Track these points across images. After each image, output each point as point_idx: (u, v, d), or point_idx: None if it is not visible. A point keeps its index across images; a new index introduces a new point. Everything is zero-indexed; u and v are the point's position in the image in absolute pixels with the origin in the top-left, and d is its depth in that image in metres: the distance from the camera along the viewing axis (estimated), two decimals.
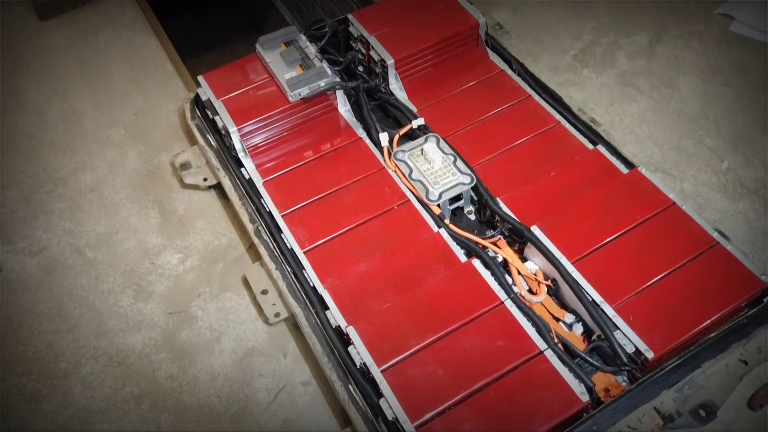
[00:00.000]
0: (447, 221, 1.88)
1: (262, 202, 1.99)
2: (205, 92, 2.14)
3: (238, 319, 1.93)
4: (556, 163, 2.01)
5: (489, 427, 1.44)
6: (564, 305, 1.73)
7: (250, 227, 1.97)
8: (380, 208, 1.93)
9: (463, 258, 1.78)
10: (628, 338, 1.55)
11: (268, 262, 1.89)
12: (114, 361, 1.85)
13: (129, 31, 2.78)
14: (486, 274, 1.70)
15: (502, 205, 1.88)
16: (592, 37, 2.64)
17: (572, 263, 1.69)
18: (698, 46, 2.55)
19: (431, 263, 1.78)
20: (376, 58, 2.24)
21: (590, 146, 2.05)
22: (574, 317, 1.69)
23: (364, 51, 2.32)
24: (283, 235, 1.90)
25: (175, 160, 2.24)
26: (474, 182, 1.92)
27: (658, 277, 1.65)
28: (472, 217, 1.99)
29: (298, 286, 1.81)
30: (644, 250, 1.70)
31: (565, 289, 1.70)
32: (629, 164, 1.97)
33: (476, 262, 1.72)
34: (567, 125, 2.11)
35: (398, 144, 2.07)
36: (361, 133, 2.14)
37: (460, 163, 1.97)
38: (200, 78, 2.17)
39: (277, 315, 1.85)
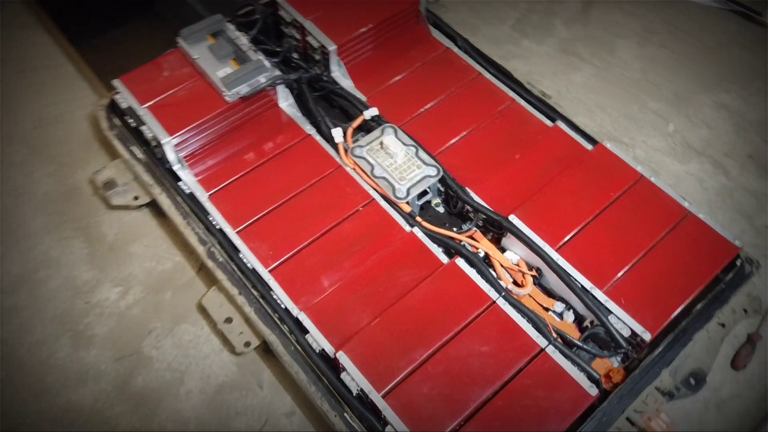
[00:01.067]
0: (419, 218, 1.76)
1: (211, 219, 1.77)
2: (125, 98, 1.86)
3: (201, 353, 1.73)
4: (518, 144, 1.93)
5: None
6: (549, 293, 1.68)
7: (200, 249, 1.75)
8: (344, 211, 1.78)
9: (442, 257, 1.68)
10: (623, 321, 1.53)
11: (228, 286, 1.69)
12: (61, 424, 1.60)
13: (18, 30, 2.37)
14: (471, 273, 1.60)
15: (473, 195, 1.79)
16: (526, 5, 2.58)
17: (555, 250, 1.64)
18: (630, 8, 2.55)
19: (410, 266, 1.66)
20: (314, 44, 2.04)
21: (549, 123, 1.99)
22: (563, 305, 1.64)
23: (299, 37, 2.11)
24: (241, 255, 1.70)
25: (96, 178, 1.95)
26: (441, 173, 1.80)
27: (641, 254, 1.63)
28: (441, 209, 1.88)
29: (268, 309, 1.63)
30: (622, 227, 1.68)
31: (551, 277, 1.65)
32: (590, 138, 1.94)
33: (460, 261, 1.62)
34: (522, 102, 2.04)
35: (352, 138, 1.91)
36: (309, 129, 1.95)
37: (422, 153, 1.85)
38: (117, 82, 1.87)
39: (247, 344, 1.66)
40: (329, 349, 1.52)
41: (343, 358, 1.46)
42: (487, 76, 2.10)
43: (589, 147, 1.90)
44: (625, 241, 1.65)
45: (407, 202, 1.78)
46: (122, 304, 1.79)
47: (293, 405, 1.66)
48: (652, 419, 1.44)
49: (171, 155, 1.81)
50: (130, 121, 1.91)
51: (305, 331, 1.57)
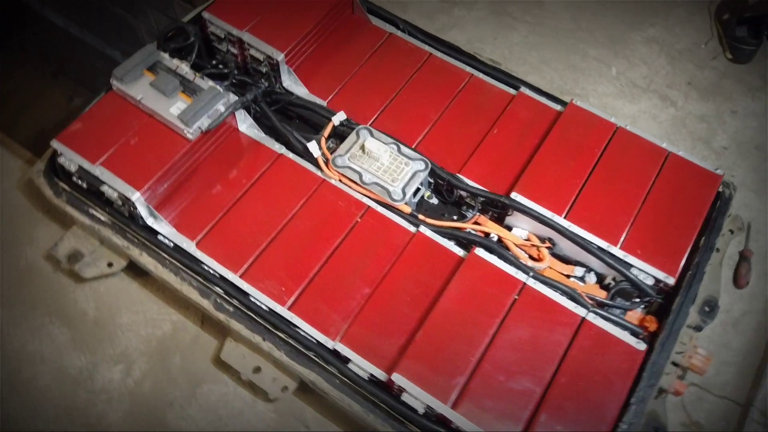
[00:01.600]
0: (422, 216, 1.72)
1: (206, 268, 1.64)
2: (72, 159, 1.65)
3: (233, 410, 1.62)
4: (489, 118, 1.92)
5: (578, 415, 1.39)
6: (565, 260, 1.72)
7: (205, 303, 1.62)
8: (343, 227, 1.71)
9: (456, 249, 1.66)
10: (646, 272, 1.59)
11: (248, 335, 1.58)
12: None
13: None
14: (494, 260, 1.60)
15: (467, 180, 1.77)
16: None
17: (564, 218, 1.66)
18: None
19: (429, 268, 1.63)
20: (258, 56, 1.90)
21: (511, 90, 1.99)
22: (582, 269, 1.68)
23: (235, 51, 1.95)
24: (252, 298, 1.59)
25: (57, 252, 1.73)
26: (429, 166, 1.77)
27: (640, 203, 1.69)
28: (434, 201, 1.85)
29: (301, 348, 1.55)
30: (615, 181, 1.73)
31: (565, 245, 1.68)
32: (554, 98, 1.97)
33: (479, 251, 1.61)
34: (479, 74, 2.02)
35: (326, 147, 1.82)
36: (279, 147, 1.84)
37: (405, 149, 1.79)
38: (56, 143, 1.66)
39: (284, 389, 1.58)
40: (379, 373, 1.47)
41: (400, 379, 1.42)
42: (439, 54, 2.06)
43: (557, 107, 1.93)
44: (622, 194, 1.71)
45: (405, 203, 1.73)
46: (130, 382, 1.64)
47: None
48: (692, 356, 1.52)
49: (143, 210, 1.65)
50: (80, 182, 1.71)
51: (346, 360, 1.51)
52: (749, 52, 2.33)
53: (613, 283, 1.65)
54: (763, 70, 2.29)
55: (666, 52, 2.35)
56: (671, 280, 1.57)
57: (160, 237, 1.68)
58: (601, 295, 1.63)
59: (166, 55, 1.79)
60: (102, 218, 1.71)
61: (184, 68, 1.77)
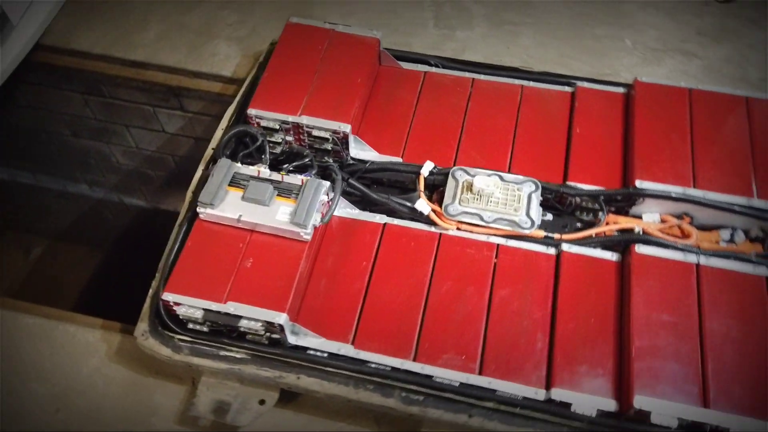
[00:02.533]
0: (557, 235, 1.67)
1: (374, 366, 1.50)
2: (194, 305, 1.48)
3: None
4: (563, 121, 1.90)
5: None
6: (704, 228, 1.70)
7: (391, 402, 1.49)
8: (486, 273, 1.62)
9: (608, 255, 1.61)
10: None
11: (451, 418, 1.46)
12: None
13: None
14: (658, 252, 1.57)
15: (580, 185, 1.73)
16: (432, 3, 2.54)
17: (694, 188, 1.66)
18: None
19: (593, 282, 1.58)
20: (324, 134, 1.79)
21: (567, 89, 1.99)
22: (728, 230, 1.68)
23: (291, 138, 1.84)
24: (438, 379, 1.47)
25: (197, 412, 1.54)
26: (539, 184, 1.72)
27: (750, 152, 1.71)
28: (549, 217, 1.80)
29: (510, 408, 1.44)
30: (716, 139, 1.75)
31: (702, 214, 1.67)
32: (612, 83, 1.98)
33: (640, 248, 1.57)
34: (530, 83, 2.01)
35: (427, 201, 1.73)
36: (380, 218, 1.73)
37: (507, 176, 1.74)
38: (167, 295, 1.48)
39: None
40: (609, 404, 1.39)
41: (641, 402, 1.34)
42: (482, 77, 2.03)
43: (619, 89, 1.94)
44: (731, 148, 1.72)
45: (537, 228, 1.67)
46: None
47: None
48: None
49: (288, 332, 1.49)
50: (199, 327, 1.54)
51: (567, 405, 1.42)
52: None
53: (762, 234, 1.65)
54: (752, 2, 2.43)
55: (664, 10, 2.44)
56: None
57: (311, 352, 1.53)
58: (758, 249, 1.63)
59: (240, 165, 1.66)
60: (239, 356, 1.54)
61: (267, 171, 1.64)
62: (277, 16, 2.46)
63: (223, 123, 1.90)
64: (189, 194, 1.75)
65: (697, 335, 1.43)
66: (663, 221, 1.69)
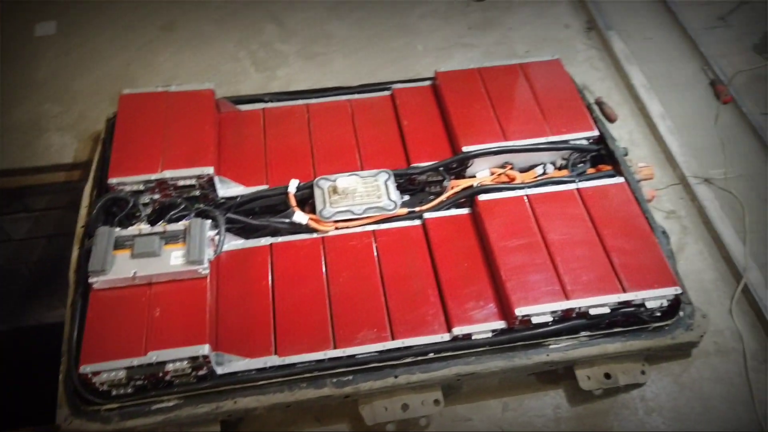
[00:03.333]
0: (419, 208, 1.95)
1: (300, 366, 1.64)
2: (113, 368, 1.52)
3: None
4: (391, 118, 2.20)
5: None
6: (523, 170, 2.10)
7: (326, 391, 1.63)
8: (371, 258, 1.84)
9: (461, 212, 1.94)
10: (577, 138, 2.06)
11: (380, 384, 1.64)
12: None
13: None
14: (496, 195, 1.91)
15: (422, 164, 2.03)
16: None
17: (505, 141, 2.05)
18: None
19: (459, 235, 1.87)
20: (189, 182, 1.91)
21: (386, 92, 2.31)
22: (540, 167, 2.07)
23: (157, 196, 1.93)
24: (360, 356, 1.66)
25: None
26: (390, 172, 2.00)
27: (534, 101, 2.16)
28: (407, 197, 2.07)
29: (427, 357, 1.67)
30: (513, 100, 2.17)
31: (517, 159, 2.06)
32: (420, 79, 2.35)
33: (483, 197, 1.90)
34: (355, 96, 2.29)
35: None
36: (265, 240, 1.89)
37: (362, 172, 2.00)
38: (85, 368, 1.50)
39: (436, 402, 1.67)
40: (499, 324, 1.68)
41: (522, 311, 1.65)
42: (314, 101, 2.29)
43: (427, 83, 2.31)
44: (518, 106, 2.15)
45: (399, 207, 1.94)
46: None
47: None
48: (641, 170, 2.03)
49: (213, 363, 1.58)
50: (123, 390, 1.56)
51: (468, 336, 1.68)
52: None
53: (564, 162, 2.08)
54: None
55: (438, 16, 2.93)
56: (596, 133, 2.06)
57: (240, 375, 1.63)
58: (565, 173, 2.05)
59: (119, 229, 1.72)
60: (171, 404, 1.59)
61: (147, 227, 1.72)
62: (101, 98, 2.51)
63: (85, 201, 1.93)
64: (71, 275, 1.75)
65: (544, 247, 1.79)
66: (492, 174, 2.06)
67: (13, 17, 2.80)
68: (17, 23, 2.78)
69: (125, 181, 1.87)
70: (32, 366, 2.68)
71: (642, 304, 1.70)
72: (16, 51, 2.67)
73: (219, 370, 1.62)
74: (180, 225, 1.73)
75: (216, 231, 1.75)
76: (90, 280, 1.62)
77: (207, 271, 1.67)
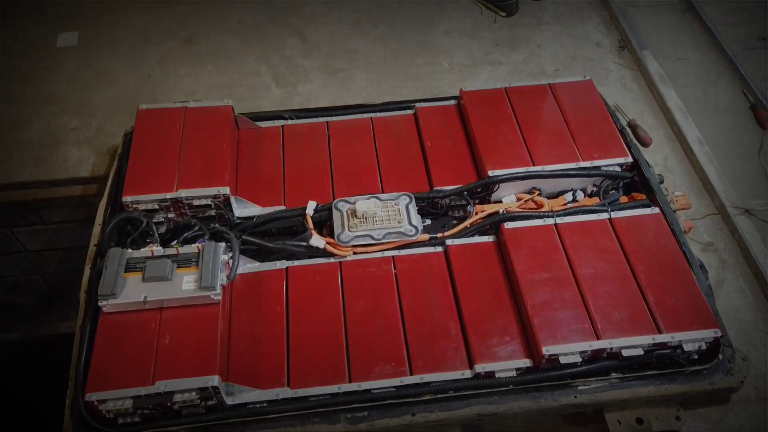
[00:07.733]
0: (441, 234, 1.87)
1: (313, 400, 1.56)
2: (121, 397, 1.45)
3: None
4: (414, 138, 2.14)
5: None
6: (551, 196, 2.00)
7: (339, 427, 1.55)
8: (389, 286, 1.76)
9: (485, 239, 1.84)
10: (609, 164, 1.96)
11: (397, 423, 1.56)
12: None
13: None
14: (522, 224, 1.82)
15: (446, 188, 1.96)
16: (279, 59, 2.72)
17: (535, 165, 1.95)
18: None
19: (482, 265, 1.78)
20: (205, 202, 1.86)
21: (409, 111, 2.24)
22: (569, 193, 1.98)
23: (173, 215, 1.88)
24: (375, 391, 1.57)
25: None
26: (412, 196, 1.92)
27: (564, 125, 2.07)
28: (428, 222, 1.99)
29: (446, 394, 1.57)
30: (538, 122, 2.08)
31: (545, 185, 1.97)
32: (444, 99, 2.27)
33: (508, 225, 1.81)
34: (377, 114, 2.23)
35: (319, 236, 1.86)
36: (281, 264, 1.82)
37: (382, 195, 1.93)
38: (91, 395, 1.44)
39: None
40: (524, 363, 1.59)
41: (551, 350, 1.55)
42: (334, 119, 2.22)
43: (451, 102, 2.24)
44: (550, 127, 2.06)
45: (422, 232, 1.85)
46: None
47: None
48: (677, 200, 1.93)
49: (223, 394, 1.51)
50: (129, 419, 1.50)
51: (491, 374, 1.59)
52: (512, 5, 2.93)
53: (595, 188, 1.99)
54: (528, 12, 2.93)
55: (464, 33, 2.84)
56: (630, 159, 1.96)
57: (250, 407, 1.56)
58: (596, 201, 1.95)
59: (131, 251, 1.66)
60: None
61: (160, 249, 1.67)
62: (119, 111, 2.49)
63: (99, 218, 1.89)
64: (82, 295, 1.71)
65: (574, 281, 1.69)
66: (519, 199, 1.97)
67: (36, 27, 2.80)
68: (40, 33, 2.77)
69: (139, 200, 1.82)
70: (46, 374, 2.66)
71: (679, 346, 1.59)
72: (38, 61, 2.66)
73: (229, 401, 1.55)
74: (193, 248, 1.67)
75: (230, 254, 1.69)
76: (99, 304, 1.57)
77: (219, 297, 1.60)
